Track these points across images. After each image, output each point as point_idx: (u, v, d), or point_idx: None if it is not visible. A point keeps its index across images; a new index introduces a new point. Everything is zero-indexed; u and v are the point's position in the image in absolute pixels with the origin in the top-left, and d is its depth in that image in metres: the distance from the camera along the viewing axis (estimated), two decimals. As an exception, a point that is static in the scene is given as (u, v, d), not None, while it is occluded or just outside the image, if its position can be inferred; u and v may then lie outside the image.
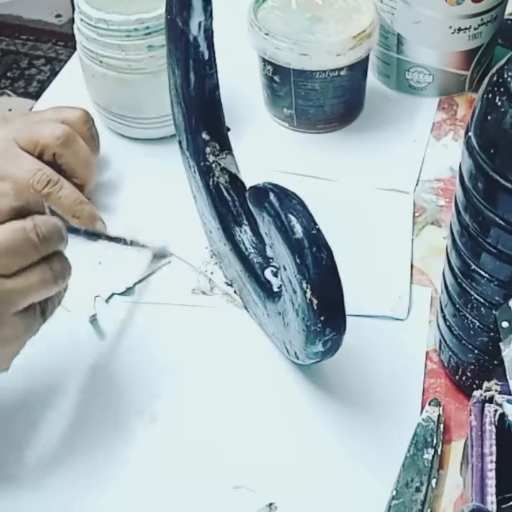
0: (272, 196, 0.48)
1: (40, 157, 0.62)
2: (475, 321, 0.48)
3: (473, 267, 0.46)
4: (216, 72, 0.54)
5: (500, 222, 0.42)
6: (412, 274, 0.62)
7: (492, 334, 0.48)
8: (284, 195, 0.48)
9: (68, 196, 0.63)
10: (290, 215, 0.47)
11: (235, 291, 0.61)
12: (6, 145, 0.62)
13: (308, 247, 0.46)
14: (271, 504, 0.50)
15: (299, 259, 0.46)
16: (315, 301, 0.47)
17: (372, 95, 0.76)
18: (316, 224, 0.47)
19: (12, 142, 0.62)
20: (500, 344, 0.46)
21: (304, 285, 0.47)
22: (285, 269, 0.49)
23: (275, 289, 0.54)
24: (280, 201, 0.48)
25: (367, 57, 0.71)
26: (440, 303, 0.53)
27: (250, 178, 0.56)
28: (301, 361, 0.54)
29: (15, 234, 0.45)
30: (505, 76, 0.40)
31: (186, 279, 0.62)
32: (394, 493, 0.49)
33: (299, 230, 0.46)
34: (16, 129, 0.63)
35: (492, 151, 0.40)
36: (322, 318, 0.47)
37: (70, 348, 0.58)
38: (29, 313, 0.46)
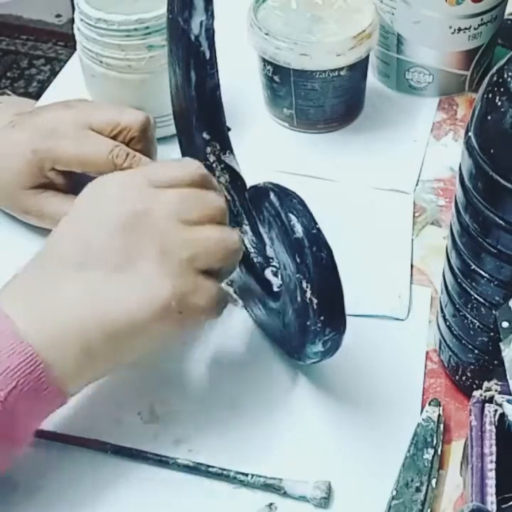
0: (272, 195, 0.48)
1: (113, 139, 0.61)
2: (475, 321, 0.48)
3: (473, 267, 0.46)
4: (217, 71, 0.54)
5: (500, 222, 0.42)
6: (412, 274, 0.62)
7: (492, 334, 0.48)
8: (285, 194, 0.48)
9: None
10: (290, 215, 0.47)
11: (234, 291, 0.61)
12: (75, 128, 0.61)
13: (309, 247, 0.46)
14: (271, 504, 0.50)
15: (299, 259, 0.46)
16: (315, 301, 0.47)
17: (372, 95, 0.76)
18: (316, 223, 0.47)
19: (82, 125, 0.61)
20: (500, 344, 0.46)
21: (304, 284, 0.47)
22: (285, 268, 0.49)
23: (275, 289, 0.54)
24: (280, 200, 0.48)
25: (367, 57, 0.71)
26: (440, 303, 0.53)
27: (251, 178, 0.56)
28: (301, 361, 0.54)
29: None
30: (505, 76, 0.40)
31: (186, 279, 0.62)
32: (394, 493, 0.49)
33: (299, 230, 0.46)
34: (85, 114, 0.61)
35: (492, 151, 0.40)
36: (322, 318, 0.47)
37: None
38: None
